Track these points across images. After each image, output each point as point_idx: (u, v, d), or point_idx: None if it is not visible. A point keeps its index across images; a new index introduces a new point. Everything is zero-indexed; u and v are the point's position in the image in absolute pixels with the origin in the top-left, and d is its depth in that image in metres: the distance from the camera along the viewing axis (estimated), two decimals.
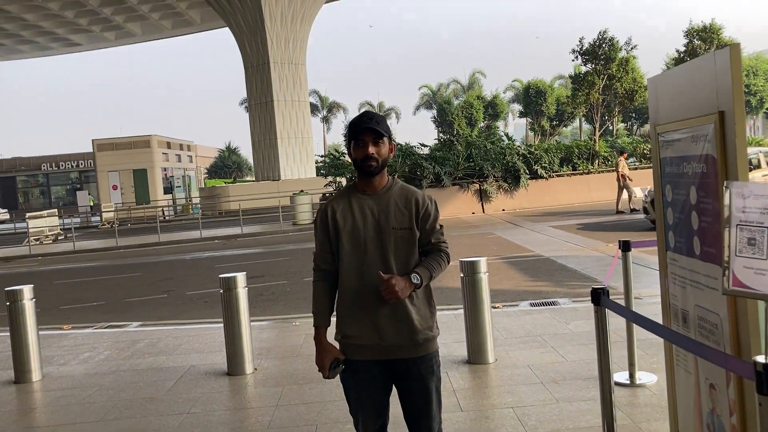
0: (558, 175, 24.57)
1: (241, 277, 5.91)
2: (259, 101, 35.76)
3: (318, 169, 36.94)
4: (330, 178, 25.47)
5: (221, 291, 5.88)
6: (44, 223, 27.07)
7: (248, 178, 62.78)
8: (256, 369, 5.93)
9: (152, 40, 51.83)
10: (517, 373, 5.27)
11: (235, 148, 73.97)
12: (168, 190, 39.84)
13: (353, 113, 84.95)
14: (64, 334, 8.15)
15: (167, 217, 33.51)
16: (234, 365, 5.86)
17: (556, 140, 46.41)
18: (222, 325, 6.01)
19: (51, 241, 25.89)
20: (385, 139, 2.72)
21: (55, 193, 64.46)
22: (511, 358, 5.68)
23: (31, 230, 24.43)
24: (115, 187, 37.90)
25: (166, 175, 40.24)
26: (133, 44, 53.56)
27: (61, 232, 28.16)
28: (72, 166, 62.42)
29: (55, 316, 9.67)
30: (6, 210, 52.53)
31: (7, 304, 6.24)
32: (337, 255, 2.76)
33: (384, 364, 2.73)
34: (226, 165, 70.01)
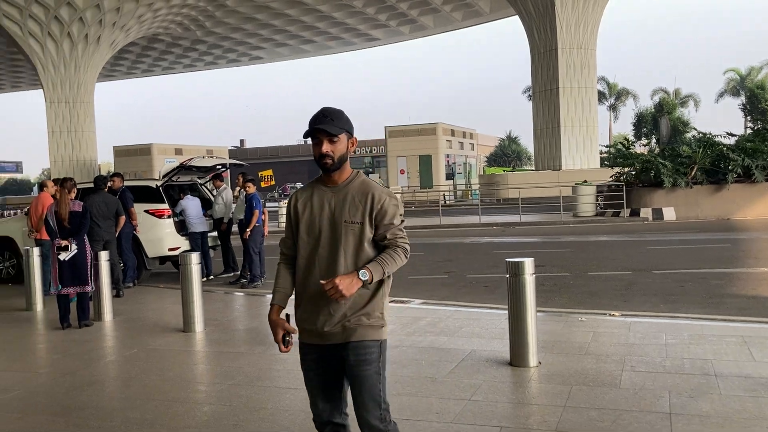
0: None
1: (529, 263, 5.54)
2: (544, 88, 34.96)
3: (602, 159, 35.02)
4: (617, 169, 23.85)
5: (507, 276, 5.58)
6: None
7: (527, 167, 62.20)
8: (540, 363, 5.53)
9: (443, 32, 53.61)
10: None
11: (515, 137, 73.93)
12: (449, 176, 41.10)
13: (645, 101, 79.20)
14: None
15: (447, 202, 34.50)
16: (517, 355, 5.53)
17: None
18: (504, 311, 5.73)
19: None
20: (342, 136, 2.80)
21: None
22: None
23: None
24: (402, 172, 40.15)
25: (448, 161, 41.53)
26: (424, 37, 56.05)
27: None
28: (366, 151, 67.91)
29: None
30: None
31: None
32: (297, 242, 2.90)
33: (325, 349, 2.85)
34: (506, 153, 70.29)
